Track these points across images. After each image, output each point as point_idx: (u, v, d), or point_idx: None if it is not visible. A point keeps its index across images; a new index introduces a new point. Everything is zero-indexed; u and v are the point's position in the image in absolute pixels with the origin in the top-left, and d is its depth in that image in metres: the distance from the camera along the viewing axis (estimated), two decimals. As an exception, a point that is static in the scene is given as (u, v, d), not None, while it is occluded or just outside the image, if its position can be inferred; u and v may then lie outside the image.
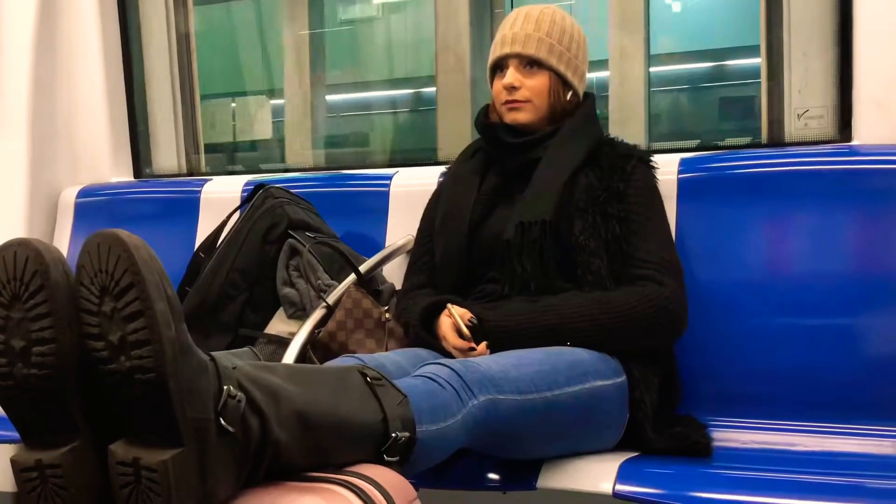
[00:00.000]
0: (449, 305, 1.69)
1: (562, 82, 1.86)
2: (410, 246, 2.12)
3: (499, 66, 1.88)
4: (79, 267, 1.02)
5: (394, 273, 2.13)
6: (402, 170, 2.39)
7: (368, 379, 1.24)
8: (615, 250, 1.72)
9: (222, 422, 1.02)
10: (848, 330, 1.82)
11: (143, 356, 0.97)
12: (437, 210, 1.93)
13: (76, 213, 2.69)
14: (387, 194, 2.31)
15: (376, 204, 2.31)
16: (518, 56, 1.84)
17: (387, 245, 2.19)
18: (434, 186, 2.07)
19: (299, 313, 1.96)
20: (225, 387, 1.03)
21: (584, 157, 1.80)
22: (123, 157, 2.83)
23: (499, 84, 1.87)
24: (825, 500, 1.36)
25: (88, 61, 2.76)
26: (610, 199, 1.74)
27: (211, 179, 2.60)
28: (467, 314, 1.66)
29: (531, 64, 1.84)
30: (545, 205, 1.74)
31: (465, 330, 1.63)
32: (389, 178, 2.34)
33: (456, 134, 2.79)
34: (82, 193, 2.71)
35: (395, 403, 1.23)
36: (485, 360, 1.45)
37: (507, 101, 1.84)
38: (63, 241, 2.67)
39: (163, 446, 0.99)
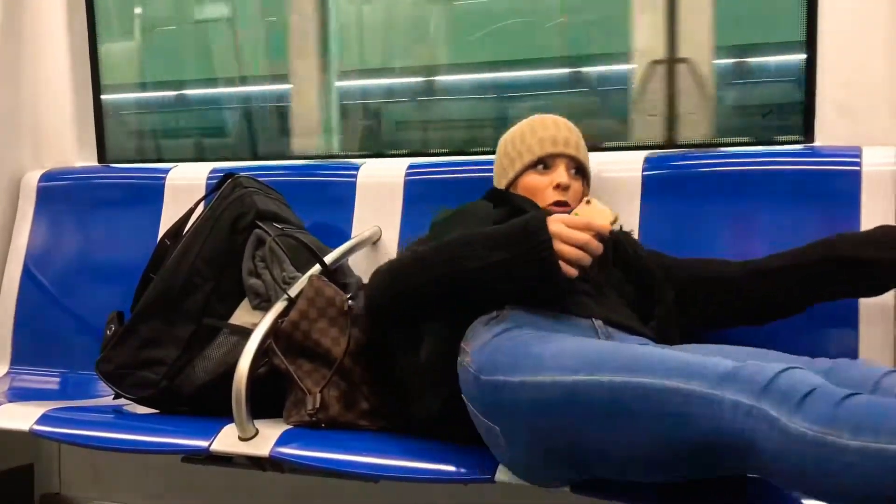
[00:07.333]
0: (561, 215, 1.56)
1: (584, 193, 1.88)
2: (376, 237, 2.12)
3: (542, 162, 1.85)
4: None
5: (359, 265, 2.13)
6: (368, 161, 2.39)
7: None
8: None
9: None
10: (805, 329, 1.85)
11: None
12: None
13: (38, 197, 2.65)
14: (353, 185, 2.31)
15: (344, 194, 2.31)
16: (571, 158, 1.85)
17: (353, 236, 2.19)
18: (400, 179, 2.06)
19: (264, 304, 1.95)
20: None
21: None
22: (88, 142, 2.79)
23: (543, 179, 1.83)
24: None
25: (55, 44, 2.72)
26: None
27: (176, 166, 2.58)
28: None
29: (577, 170, 1.86)
30: None
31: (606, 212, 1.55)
32: (356, 168, 2.34)
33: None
34: (45, 177, 2.67)
35: None
36: None
37: (559, 202, 1.81)
38: (24, 226, 2.63)
39: None
